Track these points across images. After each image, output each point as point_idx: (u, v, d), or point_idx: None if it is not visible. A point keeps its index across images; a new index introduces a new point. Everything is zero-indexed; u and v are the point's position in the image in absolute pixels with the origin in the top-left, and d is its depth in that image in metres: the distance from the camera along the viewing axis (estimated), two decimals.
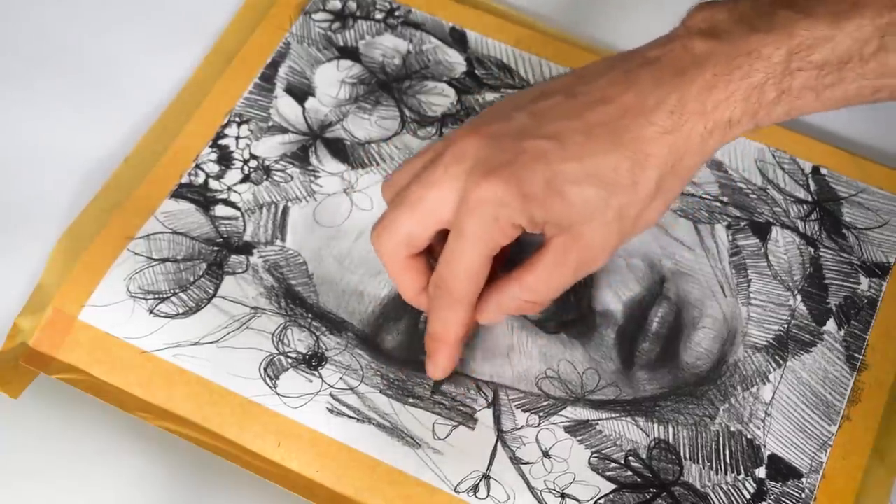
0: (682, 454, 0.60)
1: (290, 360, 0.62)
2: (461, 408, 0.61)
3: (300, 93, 0.72)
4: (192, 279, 0.65)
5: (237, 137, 0.70)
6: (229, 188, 0.68)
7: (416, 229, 0.53)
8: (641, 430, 0.61)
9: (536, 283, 0.53)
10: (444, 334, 0.57)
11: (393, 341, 0.63)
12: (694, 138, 0.51)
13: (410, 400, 0.61)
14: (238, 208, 0.67)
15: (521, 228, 0.52)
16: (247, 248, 0.66)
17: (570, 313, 0.64)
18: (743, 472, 0.60)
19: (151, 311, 0.64)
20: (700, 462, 0.60)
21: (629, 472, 0.60)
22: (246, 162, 0.69)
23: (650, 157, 0.51)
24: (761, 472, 0.60)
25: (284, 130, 0.70)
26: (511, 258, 0.56)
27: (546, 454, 0.60)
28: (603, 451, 0.60)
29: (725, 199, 0.68)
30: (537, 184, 0.50)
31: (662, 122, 0.50)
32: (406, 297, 0.57)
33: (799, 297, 0.65)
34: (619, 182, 0.50)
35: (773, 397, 0.62)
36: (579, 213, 0.51)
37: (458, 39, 0.74)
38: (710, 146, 0.52)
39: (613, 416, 0.61)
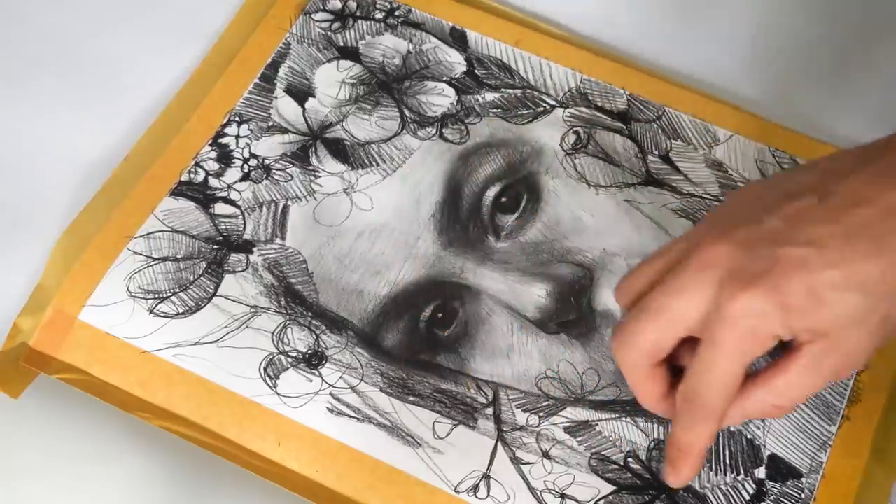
0: None
1: (289, 360, 0.63)
2: (461, 406, 0.62)
3: (300, 93, 0.72)
4: (191, 278, 0.65)
5: (237, 137, 0.70)
6: (229, 186, 0.69)
7: (660, 339, 0.51)
8: (641, 430, 0.61)
9: (787, 389, 0.51)
10: (691, 447, 0.53)
11: (393, 340, 0.64)
12: None
13: (411, 398, 0.62)
14: (238, 206, 0.68)
15: (779, 339, 0.49)
16: (247, 247, 0.66)
17: (571, 313, 0.64)
18: (742, 472, 0.60)
19: (151, 311, 0.64)
20: None
21: (628, 474, 0.60)
22: (246, 161, 0.70)
23: None
24: (761, 473, 0.60)
25: (284, 131, 0.71)
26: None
27: (546, 455, 0.61)
28: (603, 453, 0.61)
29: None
30: (798, 294, 0.48)
31: None
32: (647, 405, 0.54)
33: None
34: (886, 288, 0.48)
35: None
36: (842, 321, 0.48)
37: (458, 39, 0.74)
38: None
39: (613, 416, 0.62)
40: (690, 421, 0.51)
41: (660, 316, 0.50)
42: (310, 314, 0.64)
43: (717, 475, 0.60)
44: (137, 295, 0.65)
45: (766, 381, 0.51)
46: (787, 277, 0.48)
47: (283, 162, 0.70)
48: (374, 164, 0.70)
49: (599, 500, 0.60)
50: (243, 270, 0.66)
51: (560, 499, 0.60)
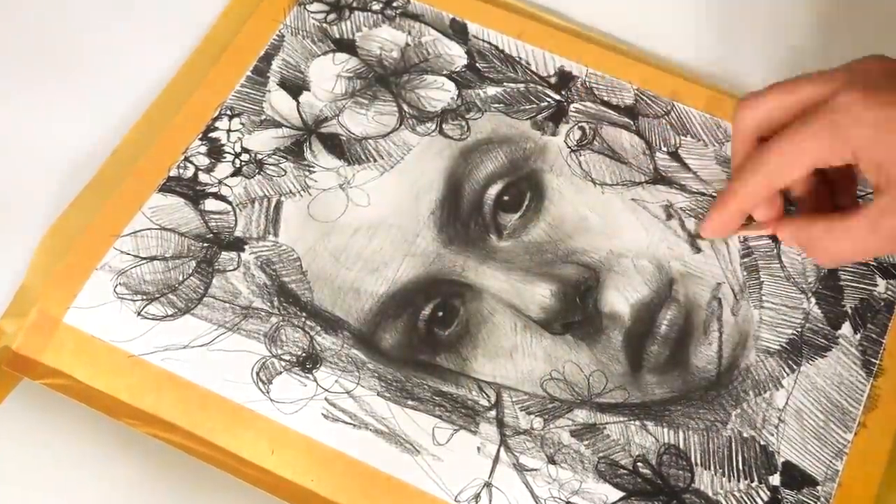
0: (693, 460, 0.60)
1: (283, 363, 0.63)
2: (462, 410, 0.62)
3: (294, 87, 0.72)
4: (181, 277, 0.65)
5: (228, 131, 0.70)
6: (220, 181, 0.68)
7: (777, 111, 0.56)
8: (651, 434, 0.61)
9: (845, 234, 0.55)
10: (733, 193, 0.57)
11: (391, 340, 0.64)
12: None
13: (409, 402, 0.62)
14: (229, 202, 0.68)
15: (854, 160, 0.53)
16: (238, 244, 0.66)
17: (576, 314, 0.64)
18: (756, 479, 0.60)
19: (139, 313, 0.64)
20: (712, 468, 0.60)
21: (638, 479, 0.60)
22: (237, 155, 0.69)
23: None
24: (775, 480, 0.60)
25: (278, 125, 0.70)
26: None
27: (551, 460, 0.60)
28: (611, 457, 0.60)
29: None
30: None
31: None
32: (734, 165, 0.59)
33: (813, 300, 0.65)
34: None
35: (786, 403, 0.62)
36: None
37: (458, 31, 0.74)
38: None
39: (621, 419, 0.61)
40: (745, 172, 0.56)
41: (790, 90, 0.56)
42: (304, 314, 0.64)
43: (730, 481, 0.60)
44: (124, 296, 0.64)
45: (830, 220, 0.55)
46: None
47: (276, 157, 0.69)
48: (371, 159, 0.69)
49: None
50: (234, 269, 0.65)
51: None
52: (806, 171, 0.55)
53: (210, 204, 0.67)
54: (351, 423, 0.61)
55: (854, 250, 0.56)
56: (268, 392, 0.62)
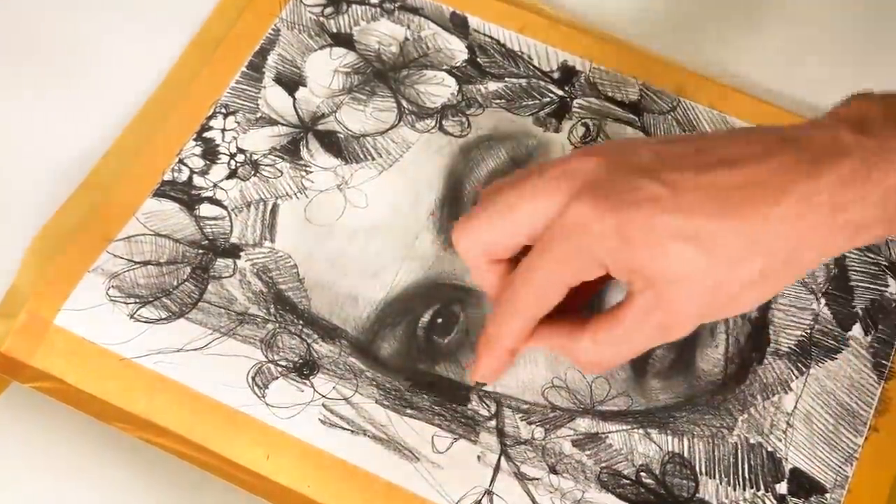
0: (697, 469, 0.60)
1: (279, 369, 0.62)
2: (462, 419, 0.61)
3: (290, 82, 0.72)
4: (175, 282, 0.64)
5: (223, 130, 0.70)
6: (215, 185, 0.68)
7: (500, 238, 0.52)
8: (654, 443, 0.61)
9: (608, 339, 0.51)
10: (495, 337, 0.54)
11: (390, 349, 0.63)
12: (818, 233, 0.49)
13: (408, 411, 0.61)
14: (224, 207, 0.67)
15: (606, 271, 0.50)
16: (234, 251, 0.66)
17: None
18: (763, 487, 0.60)
19: (132, 316, 0.63)
20: (717, 477, 0.60)
21: (641, 489, 0.60)
22: (233, 156, 0.69)
23: (764, 240, 0.48)
24: (782, 488, 0.60)
25: (273, 123, 0.70)
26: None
27: (553, 469, 0.60)
28: (613, 467, 0.60)
29: None
30: (639, 227, 0.48)
31: (787, 206, 0.48)
32: (489, 296, 0.55)
33: (822, 301, 0.65)
34: (725, 254, 0.48)
35: (795, 407, 0.62)
36: (674, 271, 0.48)
37: (458, 25, 0.74)
38: (834, 246, 0.50)
39: (625, 428, 0.61)
40: (502, 313, 0.53)
41: (504, 214, 0.51)
42: (301, 322, 0.64)
43: (735, 490, 0.60)
44: (117, 299, 0.64)
45: (592, 328, 0.52)
46: (635, 207, 0.48)
47: (272, 157, 0.69)
48: (369, 158, 0.69)
49: None
50: (230, 276, 0.65)
51: None
52: (563, 294, 0.51)
53: (205, 209, 0.67)
54: (349, 429, 0.61)
55: (622, 354, 0.53)
56: (263, 396, 0.61)
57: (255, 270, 0.65)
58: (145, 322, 0.63)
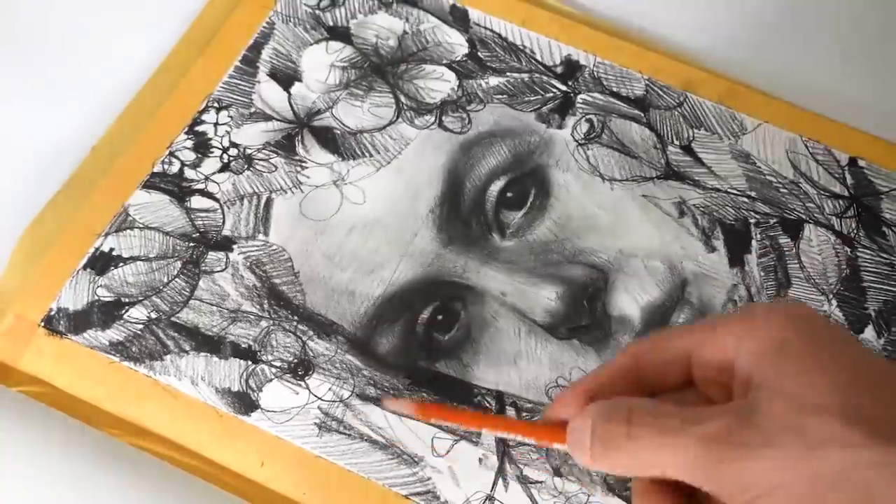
0: None
1: (274, 370, 0.62)
2: None
3: (285, 77, 0.72)
4: (165, 279, 0.65)
5: (216, 124, 0.70)
6: (207, 178, 0.68)
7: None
8: None
9: None
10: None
11: (388, 345, 0.63)
12: None
13: None
14: (216, 199, 0.67)
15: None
16: (226, 244, 0.66)
17: (583, 319, 0.64)
18: None
19: (121, 317, 0.63)
20: None
21: None
22: (225, 150, 0.69)
23: None
24: None
25: (268, 118, 0.70)
26: None
27: (557, 472, 0.60)
28: None
29: (753, 193, 0.68)
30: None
31: None
32: None
33: (834, 302, 0.65)
34: None
35: None
36: None
37: (458, 18, 0.74)
38: None
39: None
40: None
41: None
42: (296, 318, 0.64)
43: None
44: (106, 298, 0.64)
45: None
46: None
47: (266, 151, 0.69)
48: (366, 154, 0.69)
49: None
50: (222, 270, 0.65)
51: None
52: None
53: (196, 201, 0.67)
54: (345, 434, 0.61)
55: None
56: (257, 400, 0.62)
57: (248, 264, 0.65)
58: (135, 323, 0.63)
